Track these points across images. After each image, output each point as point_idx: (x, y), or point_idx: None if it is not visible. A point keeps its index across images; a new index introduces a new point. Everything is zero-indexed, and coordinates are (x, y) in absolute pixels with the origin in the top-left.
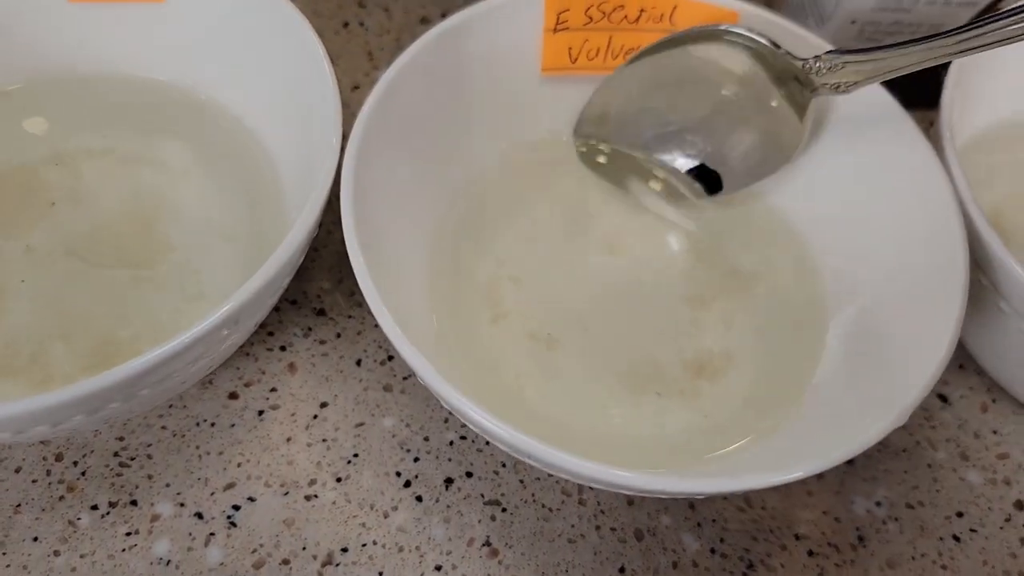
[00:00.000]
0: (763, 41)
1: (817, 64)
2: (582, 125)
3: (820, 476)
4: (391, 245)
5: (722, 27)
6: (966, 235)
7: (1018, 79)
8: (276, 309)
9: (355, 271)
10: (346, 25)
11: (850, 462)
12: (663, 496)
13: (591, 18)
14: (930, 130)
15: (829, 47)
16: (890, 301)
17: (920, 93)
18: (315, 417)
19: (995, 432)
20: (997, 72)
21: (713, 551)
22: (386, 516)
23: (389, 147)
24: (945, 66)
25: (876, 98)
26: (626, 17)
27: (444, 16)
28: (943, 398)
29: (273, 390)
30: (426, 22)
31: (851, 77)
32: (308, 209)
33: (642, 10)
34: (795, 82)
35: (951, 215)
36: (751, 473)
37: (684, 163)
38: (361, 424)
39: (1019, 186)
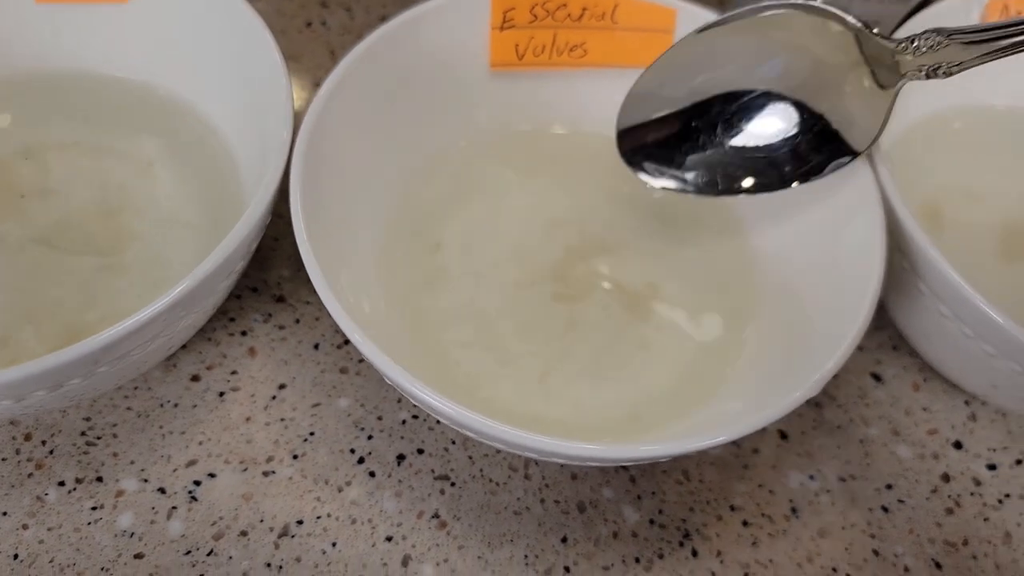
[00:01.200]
0: (851, 20)
1: (914, 44)
2: (635, 103)
3: (756, 451)
4: (342, 233)
5: (810, 2)
6: (885, 221)
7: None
8: (237, 296)
9: (303, 257)
10: (309, 24)
11: (785, 437)
12: (588, 464)
13: (536, 16)
14: None
15: None
16: (814, 282)
17: None
18: (273, 398)
19: (925, 409)
20: None
21: (652, 522)
22: (340, 490)
23: (339, 140)
24: None
25: None
26: (569, 15)
27: None
28: (877, 377)
29: (234, 373)
30: (387, 21)
31: (955, 57)
32: (257, 199)
33: (584, 8)
34: (883, 66)
35: (872, 202)
36: (659, 443)
37: (753, 147)
38: (318, 404)
39: (959, 175)
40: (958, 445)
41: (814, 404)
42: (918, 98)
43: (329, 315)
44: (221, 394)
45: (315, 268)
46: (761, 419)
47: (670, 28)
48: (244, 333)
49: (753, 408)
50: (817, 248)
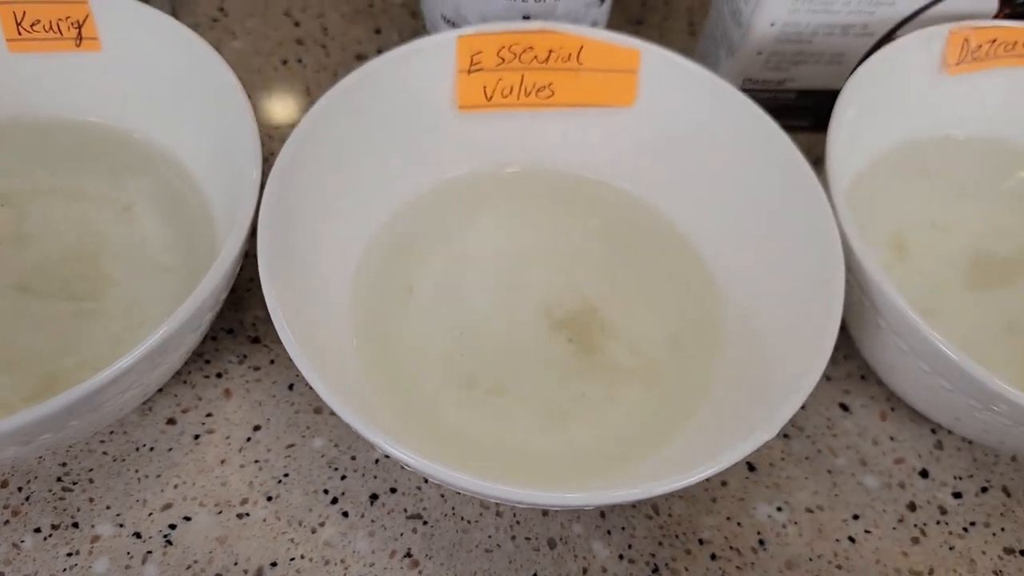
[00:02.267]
0: None
1: None
2: None
3: (724, 483)
4: (312, 276)
5: None
6: (843, 259)
7: (926, 96)
8: (213, 338)
9: (268, 304)
10: (285, 62)
11: (753, 469)
12: (529, 507)
13: (503, 59)
14: None
15: (727, 84)
16: (775, 319)
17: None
18: (248, 440)
19: (892, 439)
20: (901, 93)
21: (621, 557)
22: (314, 531)
23: (310, 183)
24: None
25: (771, 134)
26: (536, 57)
27: (380, 52)
28: (845, 407)
29: (209, 415)
30: (362, 58)
31: None
32: (227, 250)
33: (551, 51)
34: None
35: (831, 240)
36: (606, 489)
37: None
38: (292, 445)
39: (925, 206)
40: (924, 474)
41: (782, 436)
42: (882, 131)
43: None
44: (196, 437)
45: (279, 315)
46: (716, 466)
47: (634, 68)
48: (219, 375)
49: (715, 447)
50: (778, 286)
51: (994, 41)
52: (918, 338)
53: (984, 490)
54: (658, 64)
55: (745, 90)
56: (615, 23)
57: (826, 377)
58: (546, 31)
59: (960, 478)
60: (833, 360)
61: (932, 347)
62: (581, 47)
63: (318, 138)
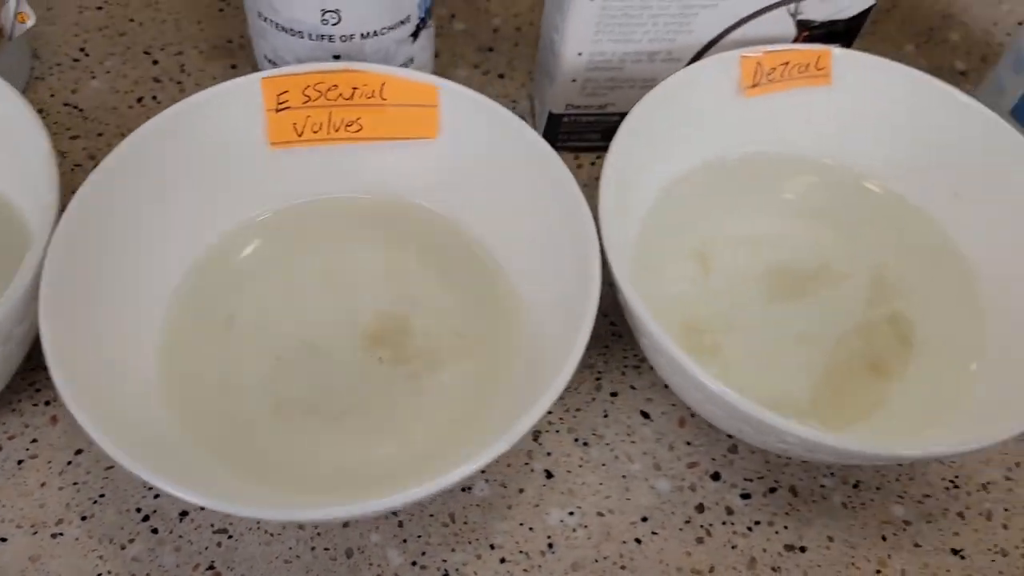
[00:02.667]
0: None
1: None
2: None
3: (521, 491)
4: (115, 312)
5: None
6: (598, 279)
7: (725, 117)
8: (44, 367)
9: (43, 341)
10: (140, 100)
11: (551, 476)
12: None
13: (309, 97)
14: None
15: (510, 113)
16: (559, 340)
17: None
18: (69, 463)
19: (688, 444)
20: (701, 114)
21: (414, 563)
22: (123, 548)
23: (119, 215)
24: None
25: (548, 159)
26: (341, 95)
27: None
28: (645, 415)
29: (34, 441)
30: None
31: None
32: (16, 281)
33: (355, 88)
34: None
35: (591, 260)
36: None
37: None
38: (111, 467)
39: (726, 221)
40: (716, 476)
41: (583, 444)
42: (684, 151)
43: None
44: (20, 462)
45: (53, 355)
46: (453, 477)
47: (434, 102)
48: (48, 403)
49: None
50: (562, 302)
51: (787, 63)
52: (667, 358)
53: (772, 491)
54: (453, 98)
55: (570, 115)
56: (464, 51)
57: (630, 387)
58: (347, 70)
59: (751, 480)
60: (638, 370)
61: (679, 367)
62: (383, 84)
63: (126, 175)
